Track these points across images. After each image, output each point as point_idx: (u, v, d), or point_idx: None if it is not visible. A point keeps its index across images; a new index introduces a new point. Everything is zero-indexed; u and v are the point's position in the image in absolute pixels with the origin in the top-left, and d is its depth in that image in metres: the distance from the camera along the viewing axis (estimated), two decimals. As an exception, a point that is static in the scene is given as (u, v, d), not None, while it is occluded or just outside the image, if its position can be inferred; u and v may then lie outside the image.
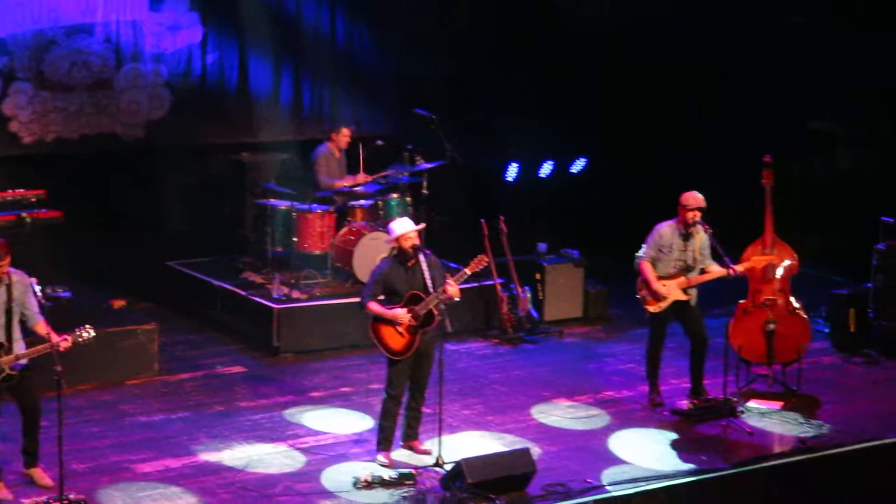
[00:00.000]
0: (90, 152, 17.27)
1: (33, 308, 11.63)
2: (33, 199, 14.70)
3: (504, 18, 18.52)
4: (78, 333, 11.46)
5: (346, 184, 16.69)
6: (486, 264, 12.57)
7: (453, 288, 12.32)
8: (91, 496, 11.51)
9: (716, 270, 13.65)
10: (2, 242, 11.48)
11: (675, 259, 13.69)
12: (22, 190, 14.71)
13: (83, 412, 13.59)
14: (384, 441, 12.59)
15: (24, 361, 11.57)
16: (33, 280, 11.77)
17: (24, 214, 14.52)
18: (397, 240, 12.42)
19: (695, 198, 13.57)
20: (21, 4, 16.60)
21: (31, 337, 11.76)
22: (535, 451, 12.49)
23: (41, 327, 11.62)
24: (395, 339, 12.37)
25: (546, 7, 18.74)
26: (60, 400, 11.08)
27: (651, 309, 13.79)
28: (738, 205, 16.05)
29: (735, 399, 13.80)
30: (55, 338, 11.37)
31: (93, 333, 11.52)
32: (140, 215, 17.56)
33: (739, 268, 13.72)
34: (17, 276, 11.60)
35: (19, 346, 11.59)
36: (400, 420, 12.66)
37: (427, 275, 12.35)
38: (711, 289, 13.95)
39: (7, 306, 11.49)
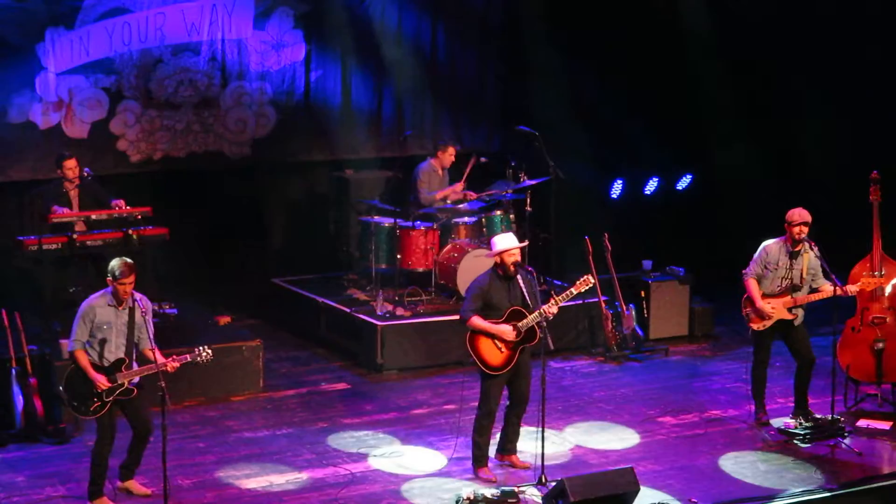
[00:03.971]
0: (197, 170, 17.45)
1: (149, 333, 11.82)
2: (140, 217, 14.87)
3: (605, 36, 18.36)
4: (197, 353, 11.71)
5: (446, 193, 16.70)
6: (591, 284, 12.52)
7: (554, 308, 12.28)
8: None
9: (826, 290, 13.47)
10: (129, 263, 11.69)
11: (781, 277, 13.52)
12: (129, 207, 14.88)
13: (189, 428, 13.72)
14: (480, 458, 12.56)
15: (136, 379, 11.76)
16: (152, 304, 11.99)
17: (130, 231, 14.68)
18: (499, 255, 12.40)
19: (800, 214, 13.40)
20: (128, 24, 16.81)
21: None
22: (640, 469, 12.37)
23: (151, 353, 11.80)
24: (493, 355, 12.33)
25: (654, 24, 18.56)
26: (165, 416, 11.17)
27: (755, 327, 13.64)
28: (846, 222, 15.79)
29: (842, 419, 13.61)
30: (161, 359, 11.61)
31: (210, 354, 11.74)
32: (245, 232, 17.71)
33: (850, 289, 13.54)
34: (142, 301, 11.85)
35: (135, 366, 11.83)
36: (497, 434, 12.65)
37: (525, 291, 12.32)
38: (819, 307, 13.75)
39: (129, 326, 11.71)
